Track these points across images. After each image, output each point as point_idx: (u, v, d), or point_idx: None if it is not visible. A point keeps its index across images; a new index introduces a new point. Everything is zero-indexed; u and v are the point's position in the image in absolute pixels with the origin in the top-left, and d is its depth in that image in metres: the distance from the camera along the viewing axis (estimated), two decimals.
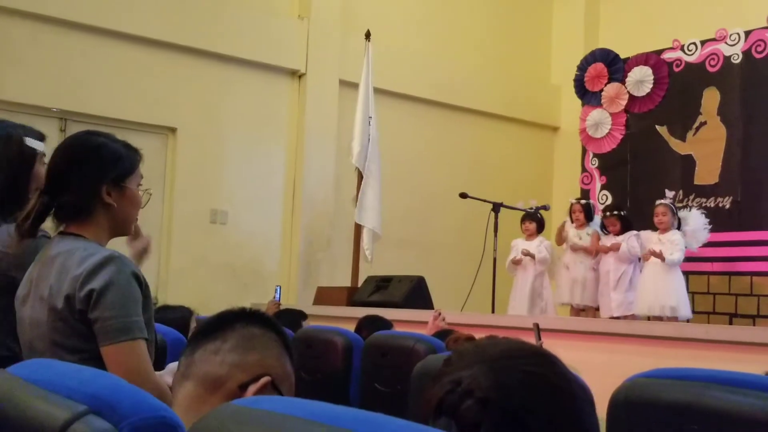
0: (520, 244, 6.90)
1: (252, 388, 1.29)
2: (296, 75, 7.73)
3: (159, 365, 2.82)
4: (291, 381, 1.38)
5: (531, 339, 3.74)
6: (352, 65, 7.42)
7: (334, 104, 7.77)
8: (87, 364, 1.73)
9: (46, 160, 2.19)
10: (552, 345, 3.88)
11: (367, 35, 7.15)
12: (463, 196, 6.23)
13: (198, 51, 7.10)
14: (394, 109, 8.05)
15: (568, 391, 0.99)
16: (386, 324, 4.06)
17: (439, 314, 4.23)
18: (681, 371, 1.66)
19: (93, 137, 1.97)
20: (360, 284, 6.66)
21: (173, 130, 7.08)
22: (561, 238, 6.96)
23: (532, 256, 6.75)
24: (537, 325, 3.47)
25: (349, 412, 0.75)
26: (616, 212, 6.81)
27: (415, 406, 2.03)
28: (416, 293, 5.98)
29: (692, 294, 6.92)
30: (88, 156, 1.92)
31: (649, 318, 6.15)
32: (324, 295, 6.68)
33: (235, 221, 7.26)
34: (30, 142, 2.16)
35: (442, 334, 3.57)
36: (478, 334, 4.00)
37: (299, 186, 7.59)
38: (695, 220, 6.41)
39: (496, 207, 6.16)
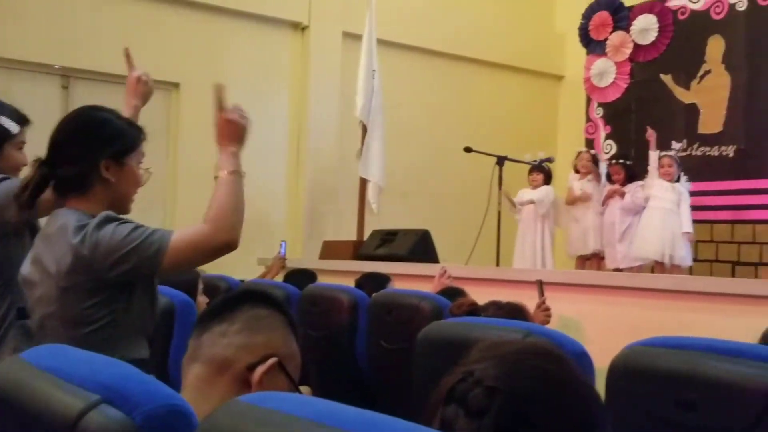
0: (526, 195, 6.92)
1: (259, 369, 1.33)
2: (299, 27, 7.67)
3: (168, 330, 2.87)
4: (297, 361, 1.42)
5: (535, 293, 3.79)
6: (356, 17, 7.36)
7: (338, 57, 7.73)
8: (102, 332, 1.79)
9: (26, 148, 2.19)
10: (555, 299, 3.95)
11: None
12: (468, 150, 6.22)
13: (200, 4, 7.05)
14: (398, 60, 7.99)
15: (576, 389, 1.02)
16: (385, 279, 4.11)
17: (445, 272, 4.27)
18: (679, 340, 1.69)
19: (97, 112, 1.99)
20: (366, 238, 6.71)
21: (176, 85, 7.06)
22: (571, 198, 7.00)
23: (531, 202, 6.80)
24: (540, 282, 3.51)
25: (355, 413, 0.78)
26: (621, 161, 6.86)
27: (419, 371, 2.08)
28: (422, 246, 6.01)
29: (696, 242, 6.96)
30: (90, 130, 1.95)
31: (653, 270, 6.20)
32: (330, 249, 6.73)
33: None
34: (4, 121, 2.14)
35: (448, 291, 3.62)
36: (483, 289, 4.07)
37: (303, 140, 7.59)
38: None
39: (501, 160, 6.16)
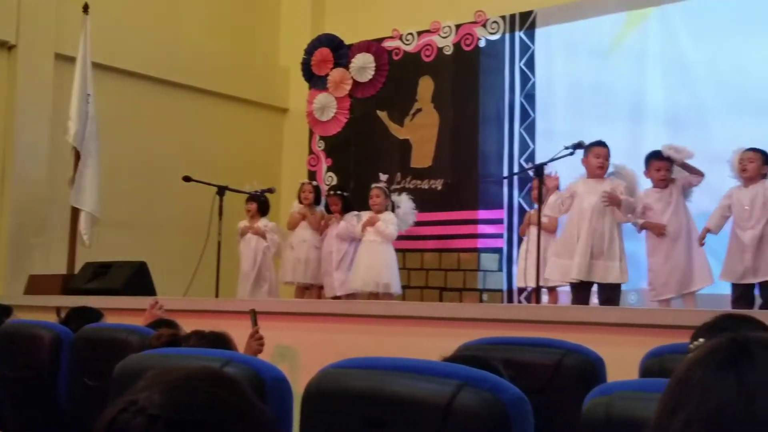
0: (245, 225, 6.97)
1: None
2: (5, 46, 7.14)
3: None
4: None
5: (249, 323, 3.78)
6: (70, 38, 6.98)
7: (49, 79, 7.28)
8: None
9: None
10: (272, 328, 3.97)
11: (85, 8, 6.77)
12: (187, 179, 6.12)
13: None
14: (116, 86, 7.69)
15: (248, 414, 1.01)
16: (96, 314, 3.90)
17: (156, 303, 4.14)
18: (369, 360, 1.76)
19: None
20: (77, 271, 6.34)
21: None
22: (292, 224, 7.12)
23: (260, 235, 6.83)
24: (254, 311, 3.51)
25: None
26: (339, 192, 7.10)
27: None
28: (137, 279, 5.81)
29: (408, 270, 7.37)
30: None
31: (369, 297, 6.46)
32: (36, 284, 6.28)
33: None
34: None
35: (158, 323, 3.50)
36: (202, 321, 3.99)
37: (9, 166, 7.04)
38: (405, 204, 6.85)
39: (221, 190, 6.13)
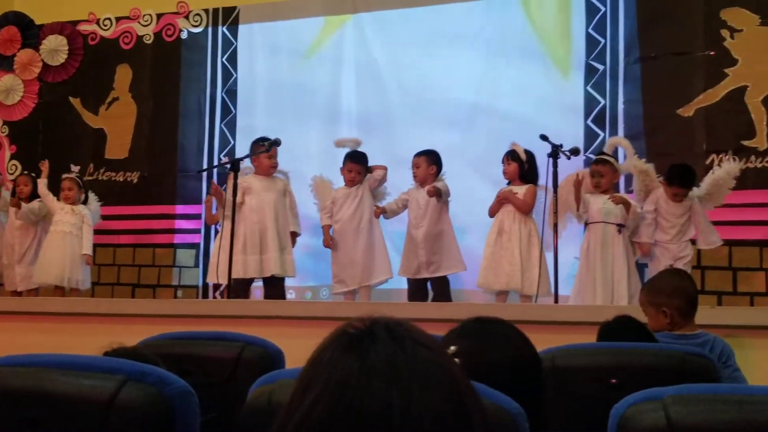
0: None
1: None
2: None
3: None
4: None
5: None
6: None
7: None
8: None
9: None
10: None
11: None
12: None
13: None
14: None
15: None
16: None
17: None
18: (27, 357, 1.68)
19: None
20: None
21: None
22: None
23: None
24: None
25: None
26: (33, 174, 6.69)
27: None
28: None
29: (98, 266, 7.05)
30: None
31: (55, 289, 6.12)
32: None
33: None
34: None
35: None
36: None
37: None
38: (93, 204, 6.63)
39: None
